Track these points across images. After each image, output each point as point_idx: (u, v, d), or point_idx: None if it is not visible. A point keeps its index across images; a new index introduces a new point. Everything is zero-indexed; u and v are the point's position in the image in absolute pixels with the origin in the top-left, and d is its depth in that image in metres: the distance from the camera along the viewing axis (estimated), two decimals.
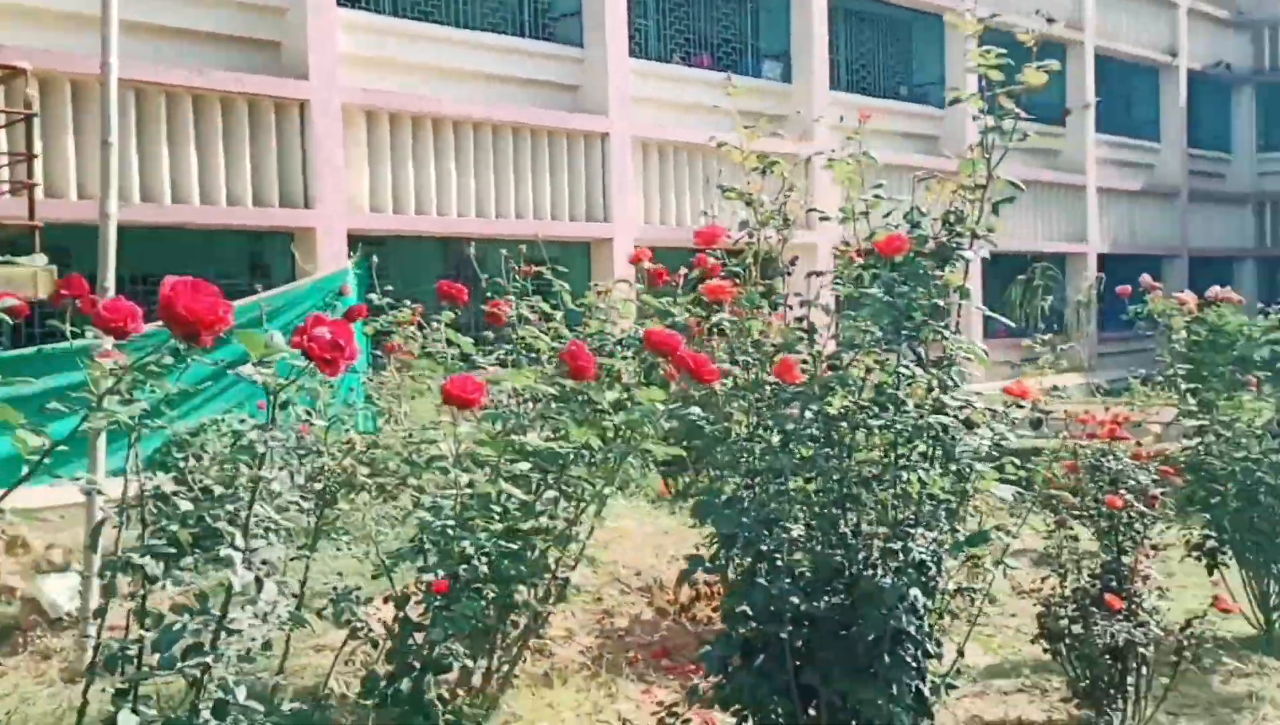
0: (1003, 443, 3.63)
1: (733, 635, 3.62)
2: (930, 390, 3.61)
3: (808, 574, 3.54)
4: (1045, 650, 5.11)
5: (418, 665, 4.39)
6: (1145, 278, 6.48)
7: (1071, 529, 5.22)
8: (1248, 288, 27.45)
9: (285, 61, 12.85)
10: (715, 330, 4.04)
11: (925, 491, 3.46)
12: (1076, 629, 4.98)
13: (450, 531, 4.42)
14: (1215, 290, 6.69)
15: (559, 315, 5.17)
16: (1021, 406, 3.82)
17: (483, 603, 4.93)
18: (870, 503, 3.56)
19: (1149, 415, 8.80)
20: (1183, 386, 6.34)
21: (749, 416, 3.71)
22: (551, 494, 4.88)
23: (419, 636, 4.41)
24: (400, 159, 13.67)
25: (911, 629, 3.41)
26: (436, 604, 4.31)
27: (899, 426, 3.48)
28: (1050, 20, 19.59)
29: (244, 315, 5.55)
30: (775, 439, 3.56)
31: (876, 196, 3.89)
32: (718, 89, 15.54)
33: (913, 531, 3.42)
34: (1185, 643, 4.82)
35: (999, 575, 7.56)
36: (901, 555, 3.39)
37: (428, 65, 14.28)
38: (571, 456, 4.37)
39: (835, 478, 3.52)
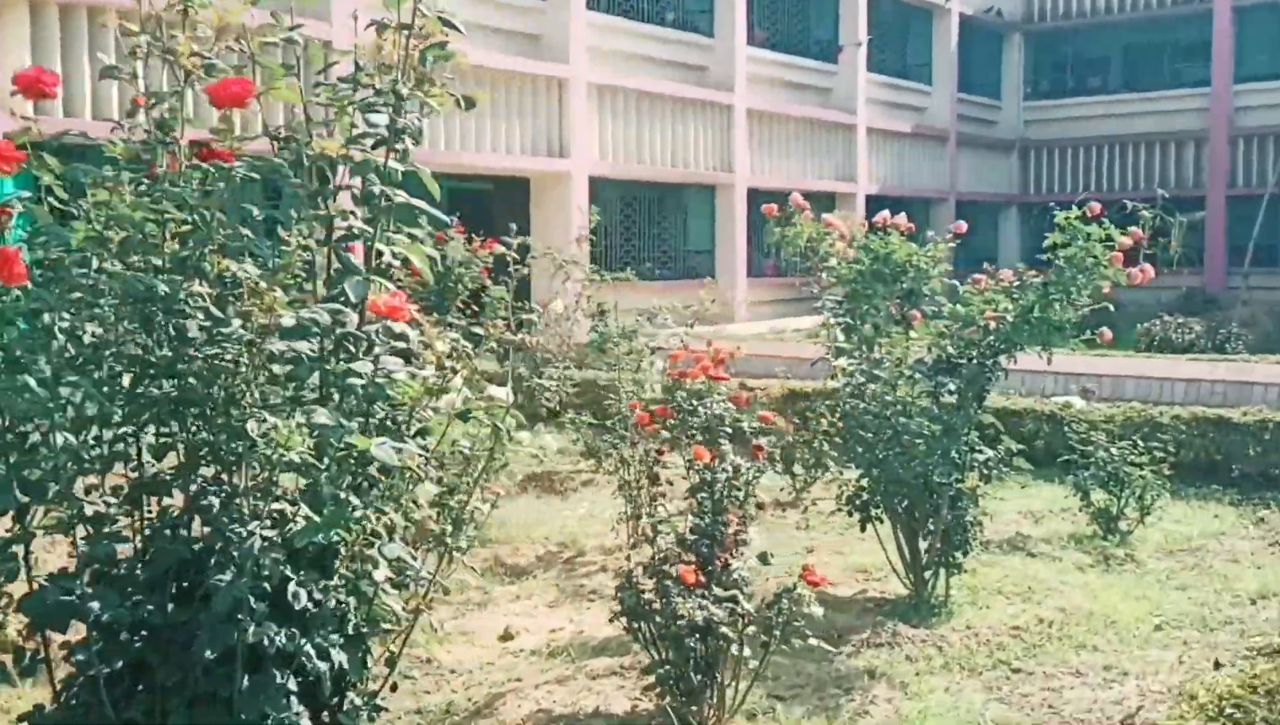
0: (379, 380, 2.68)
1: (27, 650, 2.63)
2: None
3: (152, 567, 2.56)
4: (625, 630, 4.31)
5: None
6: (795, 197, 5.72)
7: (663, 486, 4.43)
8: (1011, 232, 28.02)
9: None
10: None
11: (279, 451, 2.51)
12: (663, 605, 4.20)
13: None
14: (884, 215, 5.98)
15: None
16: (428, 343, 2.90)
17: None
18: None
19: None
20: (833, 321, 5.63)
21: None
22: None
23: None
24: None
25: (267, 641, 2.47)
26: None
27: (229, 355, 2.51)
28: None
29: None
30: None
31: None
32: None
33: (262, 507, 2.48)
34: (775, 619, 4.09)
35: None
36: (243, 543, 2.44)
37: None
38: None
39: (196, 428, 2.55)
